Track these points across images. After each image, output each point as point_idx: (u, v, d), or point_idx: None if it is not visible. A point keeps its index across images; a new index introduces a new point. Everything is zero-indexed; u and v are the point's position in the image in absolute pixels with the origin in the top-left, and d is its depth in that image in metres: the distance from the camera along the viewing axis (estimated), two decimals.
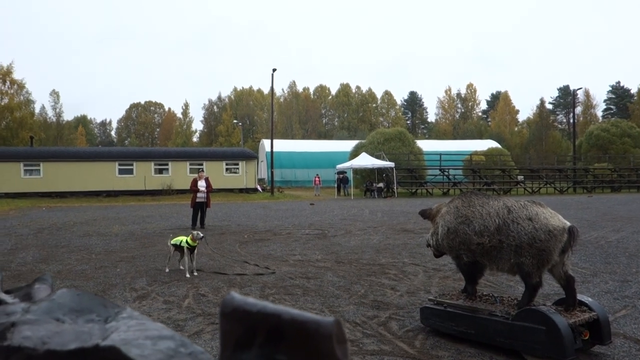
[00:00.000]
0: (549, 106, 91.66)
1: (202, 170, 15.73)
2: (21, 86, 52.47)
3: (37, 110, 68.24)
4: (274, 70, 36.49)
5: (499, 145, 53.86)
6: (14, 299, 0.61)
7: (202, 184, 14.51)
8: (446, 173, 37.94)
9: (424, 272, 7.76)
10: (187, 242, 7.90)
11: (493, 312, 4.42)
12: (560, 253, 4.29)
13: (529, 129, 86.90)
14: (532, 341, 4.04)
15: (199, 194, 14.41)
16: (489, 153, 46.58)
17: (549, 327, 3.94)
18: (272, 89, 38.65)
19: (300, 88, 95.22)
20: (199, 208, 14.52)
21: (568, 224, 4.34)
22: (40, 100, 79.20)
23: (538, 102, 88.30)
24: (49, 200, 30.47)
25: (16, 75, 51.93)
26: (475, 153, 45.30)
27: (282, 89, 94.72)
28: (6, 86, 51.24)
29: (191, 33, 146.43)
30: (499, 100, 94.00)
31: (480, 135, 77.71)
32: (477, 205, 4.70)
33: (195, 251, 8.02)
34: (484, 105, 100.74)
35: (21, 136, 47.10)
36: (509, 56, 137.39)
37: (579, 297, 4.43)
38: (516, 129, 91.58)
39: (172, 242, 8.10)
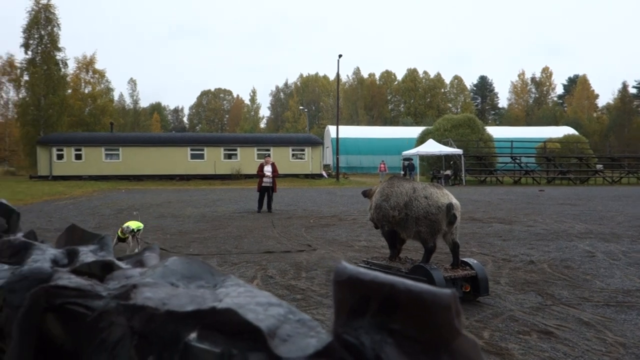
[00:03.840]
0: (633, 90, 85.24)
1: (269, 156, 16.09)
2: (102, 75, 55.66)
3: (116, 98, 72.29)
4: (340, 56, 36.40)
5: (575, 132, 50.80)
6: (127, 265, 0.65)
7: (268, 169, 14.83)
8: (517, 161, 36.42)
9: (493, 262, 7.53)
10: (117, 234, 8.09)
11: (399, 269, 5.65)
12: (447, 224, 5.52)
13: (610, 114, 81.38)
14: None
15: (265, 179, 14.76)
16: (565, 140, 44.10)
17: (429, 279, 5.03)
18: (337, 75, 38.62)
19: (365, 74, 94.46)
20: (265, 192, 14.88)
21: (453, 201, 5.54)
22: (119, 89, 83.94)
23: (620, 86, 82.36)
24: (127, 183, 32.30)
25: (98, 65, 55.19)
26: (550, 140, 43.07)
27: (347, 75, 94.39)
28: (89, 75, 54.60)
29: (259, 22, 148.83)
30: (576, 84, 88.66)
31: (555, 122, 73.76)
32: (395, 186, 5.89)
33: (129, 242, 8.05)
34: (560, 90, 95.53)
35: (102, 122, 50.10)
36: (588, 38, 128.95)
37: (467, 259, 5.71)
38: (595, 114, 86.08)
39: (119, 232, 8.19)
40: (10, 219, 0.98)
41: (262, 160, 15.43)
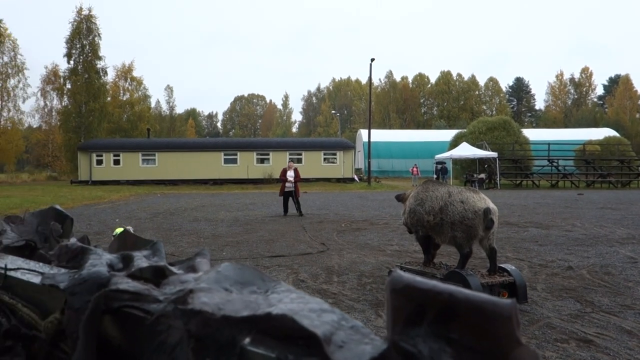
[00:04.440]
0: None
1: (292, 161, 16.38)
2: (140, 82, 57.22)
3: (152, 105, 74.08)
4: (372, 60, 36.33)
5: (617, 134, 49.09)
6: (179, 270, 0.68)
7: (290, 174, 15.09)
8: (555, 164, 35.48)
9: (529, 268, 7.38)
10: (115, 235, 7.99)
11: (434, 274, 5.58)
12: (484, 229, 5.40)
13: None
14: None
15: (287, 184, 15.02)
16: (606, 142, 42.66)
17: (464, 285, 4.81)
18: (370, 78, 38.54)
19: (397, 77, 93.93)
20: (288, 196, 15.17)
21: (490, 206, 5.42)
22: (156, 95, 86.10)
23: None
24: (163, 188, 33.03)
25: (136, 73, 56.77)
26: (590, 142, 41.77)
27: (380, 79, 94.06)
28: (127, 83, 56.19)
29: (291, 27, 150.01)
30: (617, 84, 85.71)
31: (595, 124, 71.46)
32: (430, 190, 5.79)
33: None
34: (600, 91, 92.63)
35: (140, 128, 51.44)
36: (630, 36, 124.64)
37: (504, 265, 5.64)
38: (638, 115, 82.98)
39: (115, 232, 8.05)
40: (64, 224, 1.04)
41: (285, 166, 15.74)
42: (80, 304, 0.63)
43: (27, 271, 0.79)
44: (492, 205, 5.45)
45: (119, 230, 8.33)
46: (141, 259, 0.71)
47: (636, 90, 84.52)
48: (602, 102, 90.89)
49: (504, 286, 5.30)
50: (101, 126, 46.19)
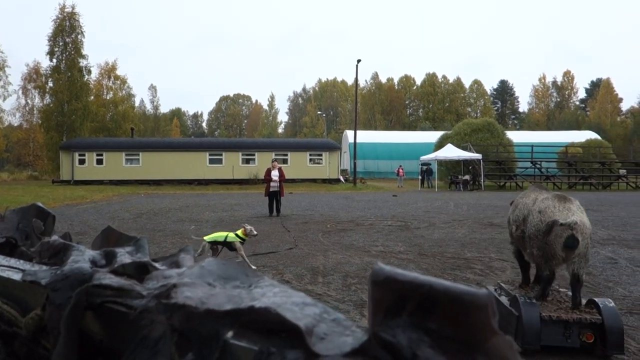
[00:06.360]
0: None
1: (276, 161, 16.27)
2: (123, 81, 56.66)
3: (137, 104, 73.43)
4: (359, 61, 36.45)
5: (598, 137, 49.92)
6: (162, 266, 0.67)
7: (275, 174, 15.01)
8: (538, 166, 35.95)
9: (512, 268, 7.46)
10: (237, 235, 7.61)
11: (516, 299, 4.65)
12: (565, 249, 4.23)
13: (634, 118, 79.78)
14: (511, 324, 4.30)
15: (272, 183, 14.95)
16: (587, 145, 43.35)
17: (519, 317, 4.19)
18: (356, 80, 38.67)
19: (383, 79, 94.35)
20: (273, 197, 15.09)
21: (576, 219, 4.21)
22: (140, 95, 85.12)
23: None
24: (147, 188, 32.73)
25: (119, 72, 56.21)
26: (572, 145, 42.39)
27: (366, 80, 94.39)
28: (111, 81, 55.61)
29: (278, 28, 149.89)
30: (599, 88, 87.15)
31: (577, 126, 72.56)
32: (525, 196, 4.92)
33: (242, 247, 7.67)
34: (582, 94, 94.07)
35: (123, 128, 50.90)
36: (612, 41, 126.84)
37: (598, 300, 4.37)
38: (619, 119, 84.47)
39: (209, 238, 7.67)
40: (46, 221, 1.03)
41: (269, 166, 15.60)
42: (62, 299, 0.63)
43: (7, 268, 0.78)
44: (580, 219, 4.31)
45: (210, 237, 7.78)
46: (124, 255, 0.70)
47: (617, 94, 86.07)
48: (584, 106, 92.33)
49: (586, 326, 4.15)
50: (84, 125, 45.59)
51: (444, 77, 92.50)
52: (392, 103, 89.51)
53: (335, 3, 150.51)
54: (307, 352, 0.44)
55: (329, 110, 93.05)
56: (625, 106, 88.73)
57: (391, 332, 0.43)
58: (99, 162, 36.50)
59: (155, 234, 11.15)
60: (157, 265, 0.68)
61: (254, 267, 7.31)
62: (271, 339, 0.47)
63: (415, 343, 0.42)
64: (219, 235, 7.73)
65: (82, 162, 36.32)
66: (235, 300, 0.52)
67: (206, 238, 7.68)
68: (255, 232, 7.85)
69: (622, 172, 37.52)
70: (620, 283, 6.54)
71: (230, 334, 0.49)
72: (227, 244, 7.59)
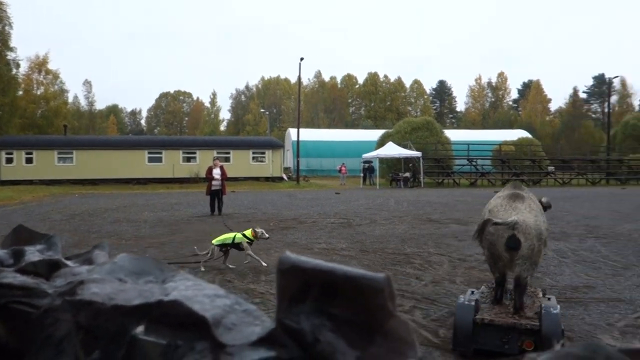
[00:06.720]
0: (583, 95, 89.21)
1: (218, 159, 15.99)
2: (56, 76, 53.86)
3: (70, 100, 70.00)
4: (302, 59, 36.50)
5: (529, 135, 52.57)
6: (75, 263, 0.66)
7: (217, 172, 14.75)
8: (474, 163, 37.41)
9: (449, 262, 7.73)
10: (245, 236, 7.52)
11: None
12: (507, 249, 4.05)
13: (561, 118, 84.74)
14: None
15: (214, 182, 14.68)
16: (519, 143, 45.57)
17: (455, 321, 4.14)
18: (299, 78, 38.74)
19: (326, 77, 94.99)
20: (215, 196, 14.81)
21: (515, 219, 4.02)
22: (74, 90, 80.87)
23: (571, 91, 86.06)
24: (81, 187, 31.31)
25: (51, 66, 53.33)
26: (505, 143, 44.42)
27: (309, 79, 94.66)
28: (42, 76, 52.68)
29: (219, 24, 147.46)
30: (530, 89, 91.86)
31: (510, 125, 76.09)
32: (496, 195, 4.72)
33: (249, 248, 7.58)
34: (514, 94, 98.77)
35: (55, 125, 48.38)
36: (542, 44, 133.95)
37: (544, 304, 4.03)
38: (548, 118, 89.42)
39: (217, 242, 7.56)
40: None
41: (211, 164, 15.31)
42: None
43: None
44: (523, 220, 4.06)
45: (218, 240, 7.49)
46: (34, 254, 0.67)
47: (546, 95, 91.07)
48: (516, 105, 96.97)
49: (524, 332, 3.88)
50: (11, 122, 42.98)
51: (386, 76, 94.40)
52: (334, 101, 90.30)
53: (279, 0, 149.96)
54: (214, 343, 0.44)
55: (272, 108, 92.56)
56: (553, 106, 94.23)
57: (295, 319, 0.44)
58: (29, 160, 34.50)
59: (89, 236, 10.69)
60: (69, 262, 0.65)
61: (264, 264, 7.36)
62: (180, 332, 0.47)
63: (318, 328, 0.43)
64: (227, 237, 7.65)
65: (9, 160, 34.21)
66: (146, 294, 0.51)
67: (214, 241, 7.58)
68: (267, 235, 7.78)
69: (551, 168, 39.70)
70: (548, 273, 6.92)
71: (140, 329, 0.49)
72: (236, 245, 7.54)
